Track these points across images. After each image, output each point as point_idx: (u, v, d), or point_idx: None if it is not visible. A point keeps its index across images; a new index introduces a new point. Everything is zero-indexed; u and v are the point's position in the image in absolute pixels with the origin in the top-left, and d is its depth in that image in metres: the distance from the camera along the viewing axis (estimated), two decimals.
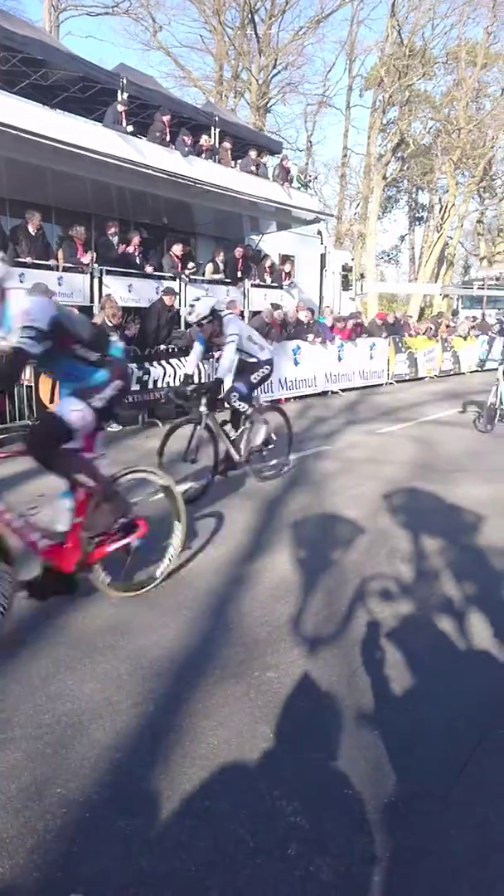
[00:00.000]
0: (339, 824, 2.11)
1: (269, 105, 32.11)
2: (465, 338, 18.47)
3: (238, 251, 14.04)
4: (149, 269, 11.92)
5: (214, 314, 5.83)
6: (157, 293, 11.04)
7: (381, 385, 14.80)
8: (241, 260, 14.05)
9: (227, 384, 5.82)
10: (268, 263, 15.00)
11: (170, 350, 9.92)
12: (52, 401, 8.22)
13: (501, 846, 2.05)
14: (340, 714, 2.67)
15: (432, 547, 4.62)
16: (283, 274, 15.47)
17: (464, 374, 17.67)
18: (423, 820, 2.14)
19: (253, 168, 15.22)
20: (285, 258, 16.24)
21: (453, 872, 1.95)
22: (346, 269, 20.07)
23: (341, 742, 2.50)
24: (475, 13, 31.68)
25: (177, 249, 12.50)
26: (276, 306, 12.78)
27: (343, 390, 13.50)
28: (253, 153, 15.43)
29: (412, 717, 2.68)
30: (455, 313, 27.84)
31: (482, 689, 2.89)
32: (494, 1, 29.94)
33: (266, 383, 10.90)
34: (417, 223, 44.03)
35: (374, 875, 1.92)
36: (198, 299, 6.15)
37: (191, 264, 12.88)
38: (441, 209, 35.65)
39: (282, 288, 15.21)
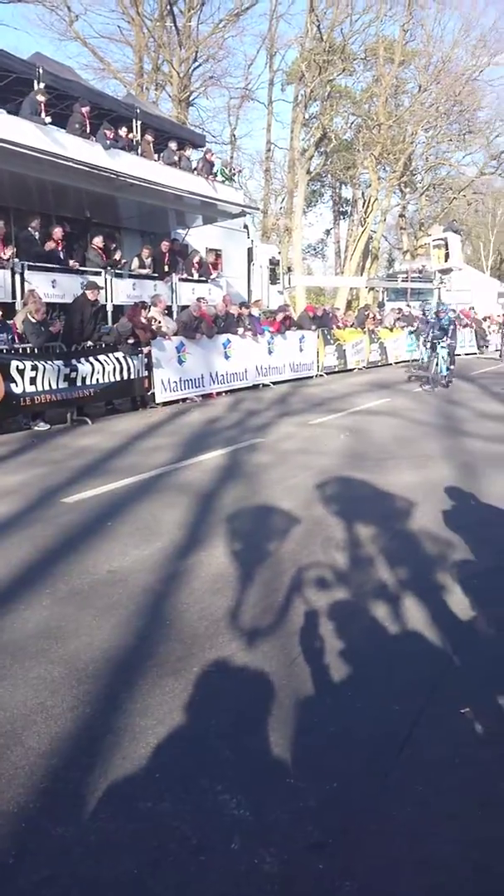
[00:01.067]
0: (281, 814, 2.11)
1: (191, 98, 31.86)
2: (391, 329, 18.89)
3: (164, 245, 13.89)
4: (73, 264, 11.66)
5: None
6: (81, 288, 10.81)
7: (312, 377, 14.97)
8: (167, 254, 13.91)
9: None
10: (196, 258, 14.90)
11: (97, 346, 9.73)
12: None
13: (440, 822, 2.09)
14: (280, 704, 2.67)
15: (366, 534, 4.69)
16: (210, 267, 15.39)
17: (391, 364, 18.06)
18: (363, 802, 2.16)
19: (175, 159, 15.04)
20: (212, 252, 16.17)
21: (395, 852, 1.97)
22: (274, 262, 20.16)
23: (282, 732, 2.50)
24: (392, 11, 32.47)
25: (98, 241, 12.27)
26: (202, 301, 12.73)
27: (274, 383, 13.58)
28: (173, 145, 15.24)
29: (350, 702, 2.71)
30: (381, 305, 28.40)
31: (417, 671, 2.94)
32: None
33: (198, 377, 11.05)
34: (342, 217, 44.85)
35: (319, 862, 1.93)
36: None
37: (118, 256, 12.68)
38: (364, 203, 36.35)
39: (209, 282, 15.15)
